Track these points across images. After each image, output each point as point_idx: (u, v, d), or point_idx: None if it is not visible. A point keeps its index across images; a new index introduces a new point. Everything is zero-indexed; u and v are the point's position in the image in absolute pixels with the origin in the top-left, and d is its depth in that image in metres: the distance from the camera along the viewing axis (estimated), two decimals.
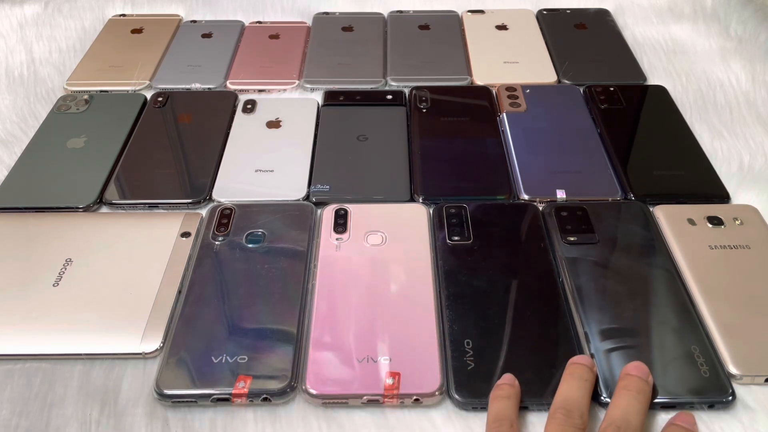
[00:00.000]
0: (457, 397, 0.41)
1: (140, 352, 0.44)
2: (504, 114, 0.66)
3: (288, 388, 0.42)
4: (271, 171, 0.60)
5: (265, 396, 0.41)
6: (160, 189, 0.58)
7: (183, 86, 0.72)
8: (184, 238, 0.53)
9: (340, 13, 0.84)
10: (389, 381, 0.42)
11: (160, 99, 0.69)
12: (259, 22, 0.83)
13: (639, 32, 0.80)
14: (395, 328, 0.45)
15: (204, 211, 0.56)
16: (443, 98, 0.69)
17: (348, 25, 0.82)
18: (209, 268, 0.50)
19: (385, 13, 0.84)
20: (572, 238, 0.52)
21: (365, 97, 0.69)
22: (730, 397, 0.41)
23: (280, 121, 0.66)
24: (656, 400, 0.41)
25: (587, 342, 0.44)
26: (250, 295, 0.48)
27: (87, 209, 0.56)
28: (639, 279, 0.49)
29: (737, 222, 0.53)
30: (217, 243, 0.52)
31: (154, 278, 0.49)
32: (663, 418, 0.41)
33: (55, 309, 0.47)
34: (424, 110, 0.67)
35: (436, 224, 0.53)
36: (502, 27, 0.81)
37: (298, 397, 0.42)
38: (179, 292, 0.48)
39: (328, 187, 0.58)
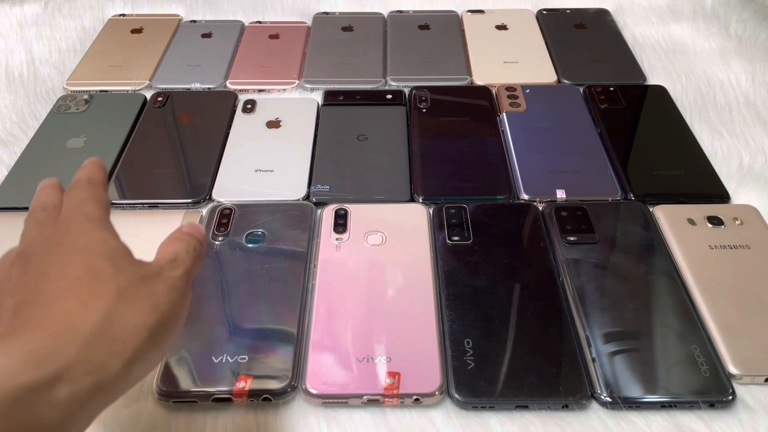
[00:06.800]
0: (457, 396, 0.41)
1: None
2: (504, 114, 0.66)
3: (288, 387, 0.42)
4: (271, 171, 0.60)
5: (265, 396, 0.41)
6: (159, 189, 0.58)
7: (183, 86, 0.72)
8: None
9: (340, 13, 0.84)
10: (389, 381, 0.42)
11: (160, 99, 0.69)
12: (259, 22, 0.83)
13: (639, 32, 0.80)
14: (395, 328, 0.45)
15: (204, 211, 0.56)
16: (443, 98, 0.69)
17: (348, 25, 0.82)
18: (209, 268, 0.50)
19: (385, 13, 0.84)
20: (572, 238, 0.52)
21: (365, 97, 0.69)
22: (730, 397, 0.41)
23: (280, 121, 0.66)
24: (657, 400, 0.41)
25: (587, 341, 0.44)
26: (250, 295, 0.48)
27: None
28: (639, 279, 0.49)
29: (737, 222, 0.53)
30: (217, 243, 0.52)
31: None
32: (663, 417, 0.41)
33: None
34: (424, 110, 0.67)
35: (436, 224, 0.53)
36: (502, 27, 0.81)
37: (298, 397, 0.42)
38: None
39: (328, 187, 0.58)
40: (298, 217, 0.54)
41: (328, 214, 0.54)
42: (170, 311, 0.31)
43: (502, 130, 0.64)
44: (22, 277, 0.31)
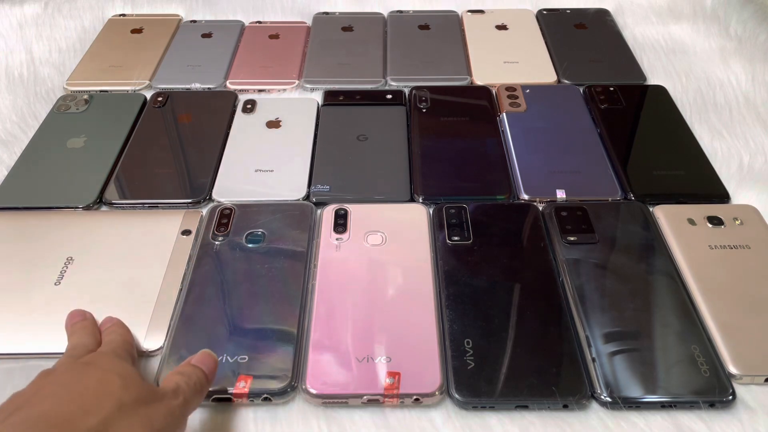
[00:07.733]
0: (457, 396, 0.41)
1: (144, 349, 0.44)
2: (504, 114, 0.66)
3: (288, 387, 0.42)
4: (271, 171, 0.60)
5: (265, 396, 0.41)
6: (160, 189, 0.58)
7: (183, 86, 0.72)
8: (184, 236, 0.53)
9: (340, 13, 0.84)
10: (389, 381, 0.42)
11: (159, 99, 0.69)
12: (259, 22, 0.83)
13: (639, 32, 0.80)
14: (395, 328, 0.45)
15: (204, 211, 0.56)
16: (443, 98, 0.69)
17: (348, 25, 0.82)
18: (209, 268, 0.50)
19: (385, 13, 0.84)
20: (572, 238, 0.52)
21: (365, 97, 0.69)
22: (730, 397, 0.41)
23: (279, 121, 0.66)
24: (657, 400, 0.41)
25: (587, 341, 0.44)
26: (250, 295, 0.48)
27: (87, 209, 0.56)
28: (639, 279, 0.49)
29: (737, 222, 0.53)
30: (217, 243, 0.52)
31: (156, 276, 0.49)
32: (663, 417, 0.41)
33: (57, 307, 0.46)
34: (424, 110, 0.67)
35: (436, 224, 0.53)
36: (502, 27, 0.81)
37: (298, 397, 0.42)
38: (181, 290, 0.48)
39: (328, 187, 0.58)
40: (298, 217, 0.54)
41: (328, 214, 0.54)
42: None
43: (502, 130, 0.64)
44: (37, 388, 0.34)
